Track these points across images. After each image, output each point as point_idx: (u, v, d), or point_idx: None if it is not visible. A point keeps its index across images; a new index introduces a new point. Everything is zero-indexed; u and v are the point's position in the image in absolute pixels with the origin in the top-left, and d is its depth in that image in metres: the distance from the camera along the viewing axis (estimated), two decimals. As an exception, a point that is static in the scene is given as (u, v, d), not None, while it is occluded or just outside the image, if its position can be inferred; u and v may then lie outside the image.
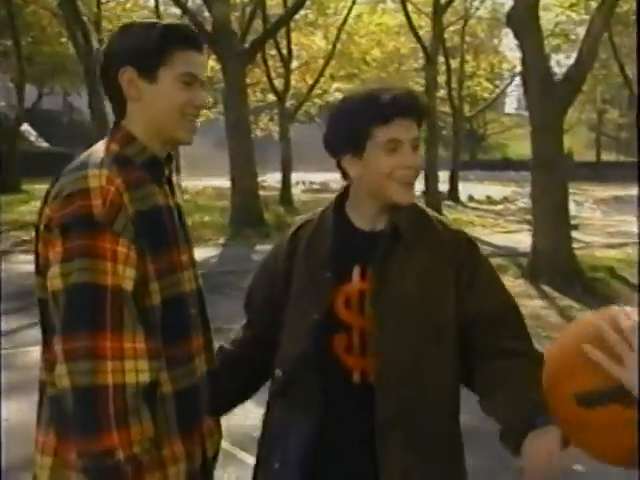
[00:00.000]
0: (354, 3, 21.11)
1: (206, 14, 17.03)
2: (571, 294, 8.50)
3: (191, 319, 1.46)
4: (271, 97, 22.36)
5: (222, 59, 14.07)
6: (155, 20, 1.47)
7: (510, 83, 29.34)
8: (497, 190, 24.84)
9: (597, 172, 33.93)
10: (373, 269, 1.52)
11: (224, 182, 25.63)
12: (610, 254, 11.40)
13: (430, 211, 1.64)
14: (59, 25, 22.39)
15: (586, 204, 21.89)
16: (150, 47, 1.40)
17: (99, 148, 1.42)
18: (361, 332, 1.53)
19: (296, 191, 22.15)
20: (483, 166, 37.53)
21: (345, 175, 1.60)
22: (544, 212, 9.34)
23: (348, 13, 20.83)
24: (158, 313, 1.36)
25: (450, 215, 18.32)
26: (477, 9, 26.18)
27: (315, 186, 27.74)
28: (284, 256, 1.65)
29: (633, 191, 22.31)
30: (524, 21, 9.24)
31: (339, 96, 24.26)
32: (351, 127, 1.51)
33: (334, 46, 20.68)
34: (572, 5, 23.06)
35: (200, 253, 11.37)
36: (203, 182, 28.26)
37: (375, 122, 1.48)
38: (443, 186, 20.23)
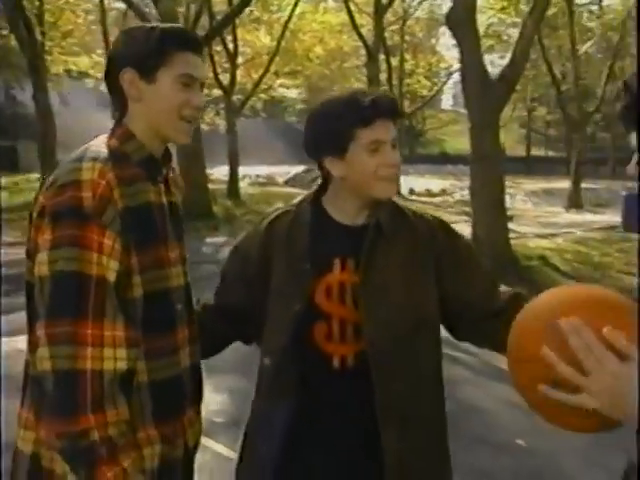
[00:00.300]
0: (298, 1, 21.08)
1: (153, 11, 16.71)
2: (508, 281, 8.64)
3: (177, 313, 1.47)
4: (216, 92, 22.25)
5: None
6: (156, 24, 1.49)
7: (447, 81, 29.89)
8: (436, 183, 25.27)
9: (527, 166, 34.89)
10: (360, 261, 1.57)
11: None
12: (542, 243, 11.81)
13: (403, 205, 1.70)
14: (0, 18, 21.62)
15: (518, 196, 22.49)
16: (150, 49, 1.42)
17: (99, 142, 1.44)
18: (341, 321, 1.58)
19: (243, 184, 22.03)
20: (422, 160, 38.01)
21: (326, 174, 1.64)
22: (483, 204, 9.62)
23: (292, 11, 20.78)
24: (139, 305, 1.38)
25: (392, 207, 18.55)
26: (415, 10, 26.53)
27: (261, 179, 27.64)
28: (258, 245, 1.68)
29: (561, 184, 23.08)
30: (462, 22, 9.45)
31: (283, 91, 24.10)
32: (334, 130, 1.54)
33: (278, 43, 20.62)
34: (503, 8, 23.62)
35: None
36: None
37: (358, 124, 1.52)
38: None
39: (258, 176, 28.29)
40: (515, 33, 27.97)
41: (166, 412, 1.43)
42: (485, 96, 9.38)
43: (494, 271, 9.22)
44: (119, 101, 1.47)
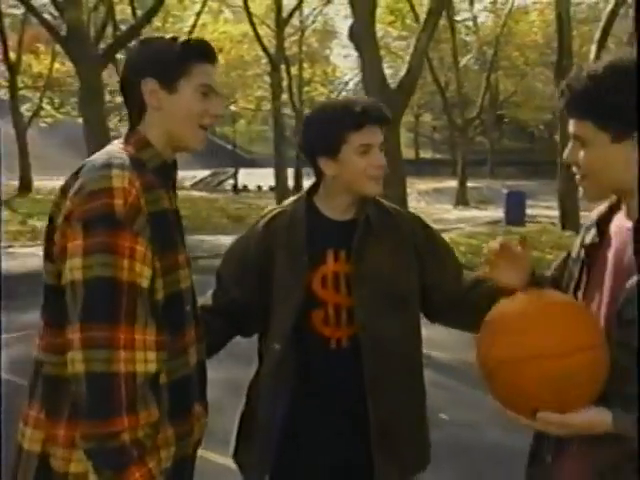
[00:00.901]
0: (200, 13, 20.86)
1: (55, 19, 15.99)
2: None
3: (186, 314, 1.46)
4: (119, 99, 21.53)
5: (77, 62, 13.34)
6: (174, 35, 1.48)
7: (343, 89, 30.43)
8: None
9: (417, 168, 36.07)
10: (352, 252, 1.66)
11: (76, 182, 24.31)
12: (437, 237, 12.29)
13: (386, 202, 1.80)
14: None
15: (412, 195, 23.24)
16: (172, 60, 1.41)
17: (116, 149, 1.41)
18: (335, 306, 1.67)
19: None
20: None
21: (319, 173, 1.71)
22: (388, 202, 9.93)
23: (195, 21, 20.54)
24: (160, 308, 1.37)
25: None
26: (312, 22, 26.86)
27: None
28: (257, 243, 1.74)
29: (448, 184, 24.07)
30: (363, 36, 9.72)
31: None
32: (328, 133, 1.63)
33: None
34: (392, 22, 24.41)
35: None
36: (54, 182, 26.51)
37: (350, 129, 1.61)
38: (289, 182, 20.56)
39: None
40: (402, 45, 28.87)
41: (180, 411, 1.42)
42: (384, 102, 9.66)
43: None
44: (136, 109, 1.45)
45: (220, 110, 1.49)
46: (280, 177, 18.95)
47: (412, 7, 19.05)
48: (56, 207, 1.38)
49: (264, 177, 25.87)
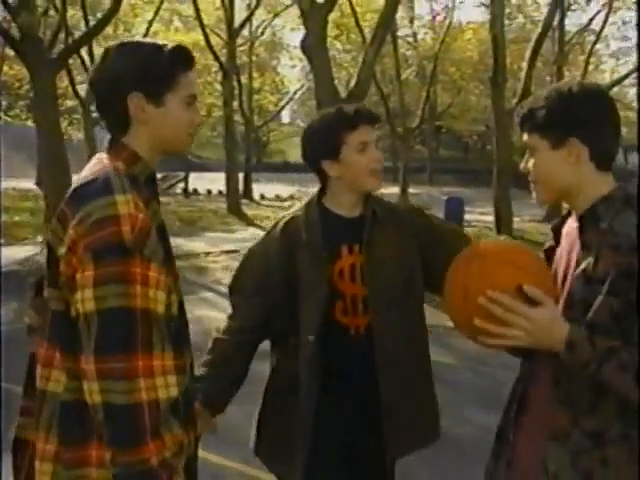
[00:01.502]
0: (152, 21, 20.56)
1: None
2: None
3: (185, 324, 1.43)
4: (69, 102, 21.06)
5: (31, 66, 12.92)
6: (158, 42, 1.39)
7: (291, 98, 30.46)
8: (283, 189, 25.65)
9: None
10: (364, 244, 1.75)
11: (25, 184, 23.51)
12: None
13: (384, 199, 1.89)
14: None
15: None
16: (159, 73, 1.34)
17: (107, 168, 1.32)
18: (352, 297, 1.76)
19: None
20: (268, 169, 38.44)
21: (324, 177, 1.80)
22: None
23: (147, 29, 20.20)
24: (176, 325, 1.34)
25: (249, 211, 18.64)
26: (262, 33, 26.82)
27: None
28: (279, 247, 1.80)
29: (390, 190, 24.39)
30: (314, 48, 9.79)
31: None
32: (327, 136, 1.71)
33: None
34: (337, 36, 24.61)
35: (21, 252, 10.48)
36: (3, 184, 25.53)
37: (346, 129, 1.71)
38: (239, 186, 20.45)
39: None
40: (347, 57, 29.12)
41: (187, 419, 1.38)
42: (336, 113, 9.79)
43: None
44: (120, 120, 1.36)
45: (200, 118, 1.46)
46: (231, 181, 18.83)
47: (357, 22, 19.29)
48: (54, 235, 1.31)
49: (214, 181, 25.62)
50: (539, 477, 1.38)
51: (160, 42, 1.40)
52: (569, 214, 1.52)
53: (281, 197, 24.38)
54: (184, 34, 25.41)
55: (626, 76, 20.72)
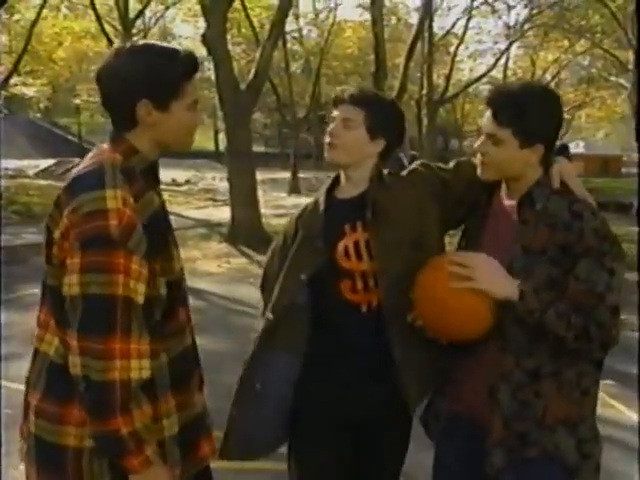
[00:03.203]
0: (42, 7, 19.07)
1: None
2: (263, 252, 9.30)
3: (180, 296, 1.45)
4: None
5: None
6: (169, 48, 1.38)
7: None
8: (180, 174, 24.94)
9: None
10: (367, 217, 1.66)
11: None
12: (280, 221, 12.60)
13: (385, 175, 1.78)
14: None
15: (249, 185, 23.33)
16: (167, 82, 1.34)
17: (106, 159, 1.34)
18: (363, 275, 1.66)
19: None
20: (163, 154, 37.09)
21: None
22: (239, 191, 10.02)
23: (38, 15, 18.72)
24: (164, 301, 1.37)
25: (148, 196, 17.89)
26: (155, 23, 25.77)
27: (10, 172, 24.44)
28: (292, 235, 1.77)
29: (281, 174, 24.57)
30: (215, 41, 9.64)
31: (24, 90, 21.65)
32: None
33: (26, 44, 18.44)
34: (228, 29, 24.13)
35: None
36: None
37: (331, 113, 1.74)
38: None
39: (7, 169, 24.96)
40: (238, 50, 28.68)
41: (180, 382, 1.44)
42: (237, 102, 9.73)
43: (251, 246, 9.71)
44: (126, 121, 1.37)
45: (201, 120, 1.47)
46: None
47: (248, 16, 19.04)
48: (51, 219, 1.34)
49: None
50: (484, 408, 1.56)
51: (170, 48, 1.40)
52: (495, 188, 1.64)
53: (177, 182, 23.68)
54: (73, 21, 23.83)
55: (483, 75, 22.13)
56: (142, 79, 1.33)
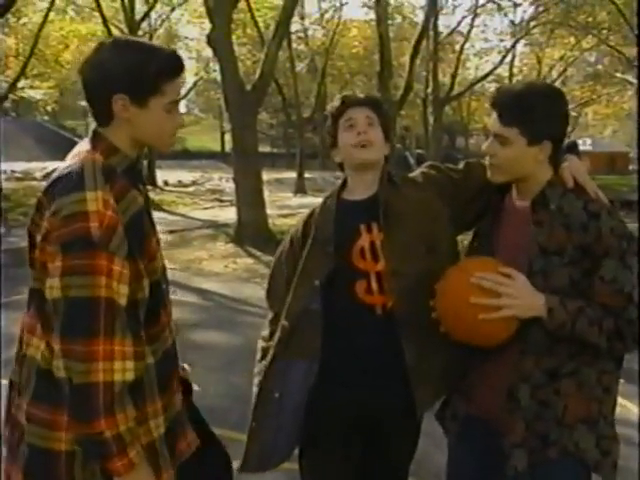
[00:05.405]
0: (50, 10, 19.16)
1: None
2: (270, 252, 9.33)
3: (163, 294, 1.43)
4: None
5: None
6: (151, 47, 1.36)
7: (191, 89, 29.54)
8: (185, 175, 24.97)
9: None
10: (380, 218, 1.64)
11: None
12: (285, 221, 12.59)
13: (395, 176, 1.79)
14: None
15: (255, 185, 23.31)
16: (145, 80, 1.32)
17: (85, 160, 1.32)
18: (378, 276, 1.63)
19: None
20: (168, 156, 37.16)
21: (340, 167, 1.79)
22: (245, 191, 10.03)
23: (45, 18, 18.81)
24: (146, 303, 1.35)
25: (155, 197, 17.95)
26: (160, 25, 25.82)
27: (18, 175, 24.57)
28: (299, 239, 1.75)
29: (287, 174, 24.57)
30: (221, 41, 9.67)
31: (31, 92, 21.83)
32: (329, 131, 1.74)
33: (33, 47, 18.55)
34: (233, 30, 24.16)
35: None
36: None
37: (336, 119, 1.74)
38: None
39: (14, 172, 25.10)
40: (243, 50, 28.79)
41: (166, 381, 1.43)
42: (243, 102, 9.74)
43: (257, 246, 9.72)
44: (103, 115, 1.35)
45: (182, 120, 1.44)
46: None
47: (253, 17, 19.05)
48: (33, 223, 1.33)
49: (117, 169, 24.39)
50: (501, 410, 1.52)
51: (152, 45, 1.38)
52: (505, 190, 1.62)
53: (184, 183, 23.73)
54: (80, 23, 23.95)
55: (489, 73, 22.05)
56: (121, 73, 1.31)
